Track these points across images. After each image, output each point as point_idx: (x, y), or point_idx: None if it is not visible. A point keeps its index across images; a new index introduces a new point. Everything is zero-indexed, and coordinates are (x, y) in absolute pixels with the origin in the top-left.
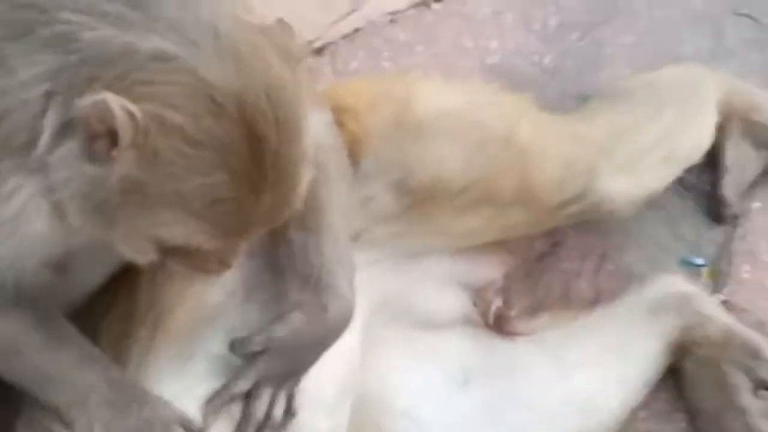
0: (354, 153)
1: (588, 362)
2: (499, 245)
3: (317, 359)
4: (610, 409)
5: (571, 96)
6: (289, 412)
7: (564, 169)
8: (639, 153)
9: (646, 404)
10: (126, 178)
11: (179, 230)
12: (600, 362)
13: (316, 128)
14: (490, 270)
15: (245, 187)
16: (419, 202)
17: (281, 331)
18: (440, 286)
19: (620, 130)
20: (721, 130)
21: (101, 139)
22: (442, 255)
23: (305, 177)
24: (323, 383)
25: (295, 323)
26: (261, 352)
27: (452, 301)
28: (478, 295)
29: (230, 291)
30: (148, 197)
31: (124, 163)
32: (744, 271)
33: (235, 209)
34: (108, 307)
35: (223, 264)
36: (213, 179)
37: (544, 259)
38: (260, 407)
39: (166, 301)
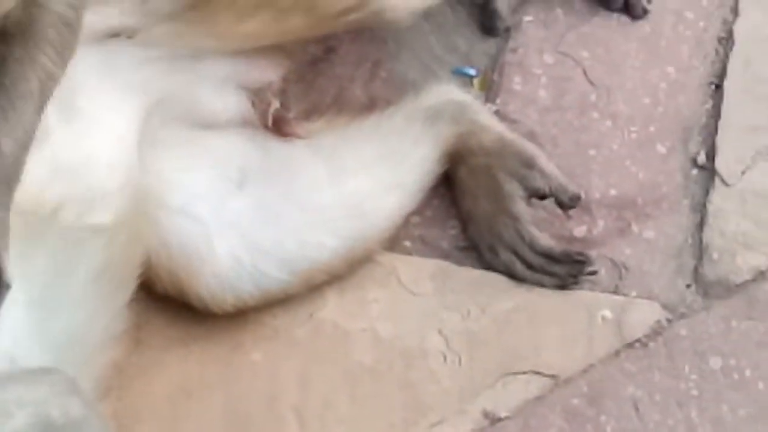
0: None
1: (362, 166)
2: (276, 49)
3: None
4: (383, 214)
5: None
6: None
7: None
8: None
9: (419, 210)
10: None
11: None
12: (374, 167)
13: None
14: (267, 72)
15: None
16: (199, 3)
17: None
18: (219, 87)
19: None
20: None
21: None
22: (220, 56)
23: None
24: (102, 177)
25: None
26: None
27: (231, 102)
28: (257, 95)
29: None
30: None
31: None
32: (515, 82)
33: None
34: None
35: None
36: None
37: (318, 64)
38: None
39: None
